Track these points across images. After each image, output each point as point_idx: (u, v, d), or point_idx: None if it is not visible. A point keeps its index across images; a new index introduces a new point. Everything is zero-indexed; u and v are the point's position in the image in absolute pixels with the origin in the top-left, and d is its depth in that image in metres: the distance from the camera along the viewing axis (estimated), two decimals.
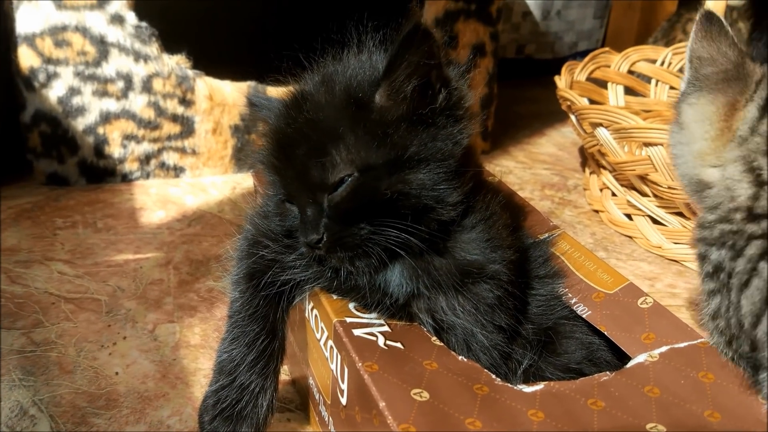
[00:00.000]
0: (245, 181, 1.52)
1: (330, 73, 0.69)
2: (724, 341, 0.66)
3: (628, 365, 0.64)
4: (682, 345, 0.65)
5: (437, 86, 0.65)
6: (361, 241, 0.64)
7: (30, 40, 1.36)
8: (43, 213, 1.34)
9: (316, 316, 0.72)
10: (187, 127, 1.49)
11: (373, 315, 0.68)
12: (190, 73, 1.46)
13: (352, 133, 0.63)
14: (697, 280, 0.73)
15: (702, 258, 0.71)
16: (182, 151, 1.51)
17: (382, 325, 0.67)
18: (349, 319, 0.67)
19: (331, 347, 0.68)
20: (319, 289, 0.71)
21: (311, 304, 0.73)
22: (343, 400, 0.66)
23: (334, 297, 0.70)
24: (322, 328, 0.70)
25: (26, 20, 1.35)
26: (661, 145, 1.07)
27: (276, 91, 0.75)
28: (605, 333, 0.70)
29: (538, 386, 0.60)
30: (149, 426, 0.81)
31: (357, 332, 0.65)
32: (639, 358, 0.64)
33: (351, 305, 0.69)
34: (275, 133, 0.69)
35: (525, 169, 1.62)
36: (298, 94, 0.69)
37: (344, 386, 0.65)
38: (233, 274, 0.74)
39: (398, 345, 0.64)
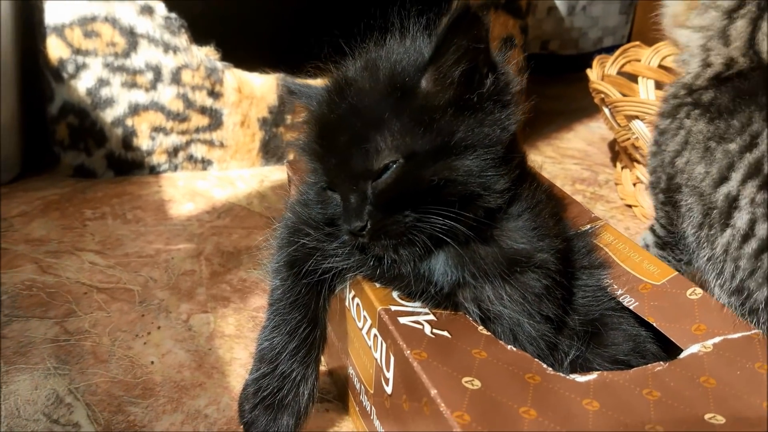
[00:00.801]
0: (273, 173, 1.51)
1: (373, 59, 0.67)
2: (653, 189, 0.90)
3: (682, 355, 0.62)
4: (735, 336, 0.63)
5: (485, 71, 0.64)
6: (406, 229, 0.62)
7: (59, 30, 1.36)
8: (72, 205, 1.34)
9: (358, 304, 0.71)
10: (216, 120, 1.48)
11: (418, 304, 0.67)
12: (219, 65, 1.45)
13: (396, 119, 0.62)
14: None
15: (654, 126, 0.91)
16: (210, 143, 1.50)
17: (427, 313, 0.66)
18: (393, 308, 0.66)
19: (375, 336, 0.67)
20: (361, 277, 0.70)
21: (352, 293, 0.72)
22: (388, 389, 0.65)
23: (377, 285, 0.69)
24: (364, 316, 0.69)
25: (55, 11, 1.35)
26: None
27: (312, 83, 0.74)
28: (654, 324, 0.68)
29: (591, 376, 0.59)
30: (186, 415, 0.80)
31: (403, 320, 0.64)
32: (692, 349, 0.63)
33: (394, 294, 0.68)
34: (317, 120, 0.68)
35: (554, 164, 1.61)
36: (341, 79, 0.68)
37: (389, 375, 0.64)
38: (274, 262, 0.74)
39: (445, 334, 0.63)
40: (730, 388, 0.57)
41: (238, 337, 0.95)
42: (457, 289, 0.66)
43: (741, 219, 0.75)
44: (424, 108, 0.62)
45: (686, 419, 0.54)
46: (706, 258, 0.80)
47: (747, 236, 0.74)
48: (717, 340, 0.63)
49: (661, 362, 0.61)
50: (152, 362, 0.89)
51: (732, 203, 0.76)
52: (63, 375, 0.86)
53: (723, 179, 0.77)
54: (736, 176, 0.76)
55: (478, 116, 0.64)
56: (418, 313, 0.66)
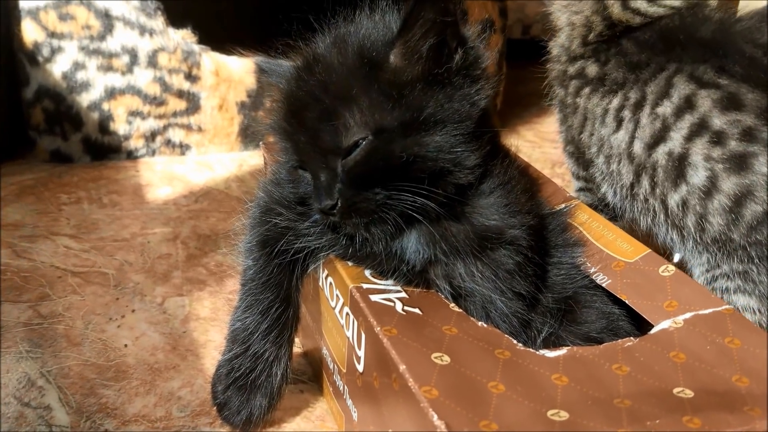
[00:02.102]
0: (252, 158, 1.50)
1: (342, 35, 0.67)
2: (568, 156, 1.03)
3: (652, 331, 0.62)
4: (706, 311, 0.63)
5: (453, 45, 0.64)
6: (377, 207, 0.62)
7: (33, 13, 1.34)
8: (47, 189, 1.32)
9: (330, 283, 0.71)
10: (193, 104, 1.47)
11: (390, 282, 0.67)
12: (196, 48, 1.44)
13: (365, 95, 0.61)
14: None
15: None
16: (188, 128, 1.49)
17: (399, 291, 0.65)
18: (365, 285, 0.66)
19: (347, 314, 0.66)
20: (333, 256, 0.70)
21: (326, 272, 0.72)
22: (360, 367, 0.65)
23: (350, 264, 0.69)
24: (337, 295, 0.69)
25: None
26: None
27: (287, 62, 0.73)
28: (626, 301, 0.68)
29: (561, 351, 0.59)
30: (159, 397, 0.80)
31: (374, 298, 0.64)
32: (663, 324, 0.63)
33: (367, 272, 0.68)
34: (286, 98, 0.67)
35: (534, 148, 1.61)
36: (309, 56, 0.67)
37: (361, 353, 0.64)
38: (246, 242, 0.73)
39: (416, 311, 0.63)
40: (699, 363, 0.57)
41: (213, 319, 0.94)
42: (429, 267, 0.66)
43: (697, 176, 0.81)
44: (393, 83, 0.62)
45: (655, 393, 0.54)
46: (650, 214, 0.89)
47: (709, 192, 0.80)
48: (688, 315, 0.63)
49: (632, 338, 0.61)
50: (126, 345, 0.88)
51: (681, 161, 0.82)
52: (35, 358, 0.85)
53: (660, 140, 0.84)
54: (677, 135, 0.82)
55: (448, 91, 0.63)
56: (390, 291, 0.65)
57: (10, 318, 0.93)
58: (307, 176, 0.67)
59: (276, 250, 0.70)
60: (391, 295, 0.65)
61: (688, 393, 0.54)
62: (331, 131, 0.62)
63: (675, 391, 0.54)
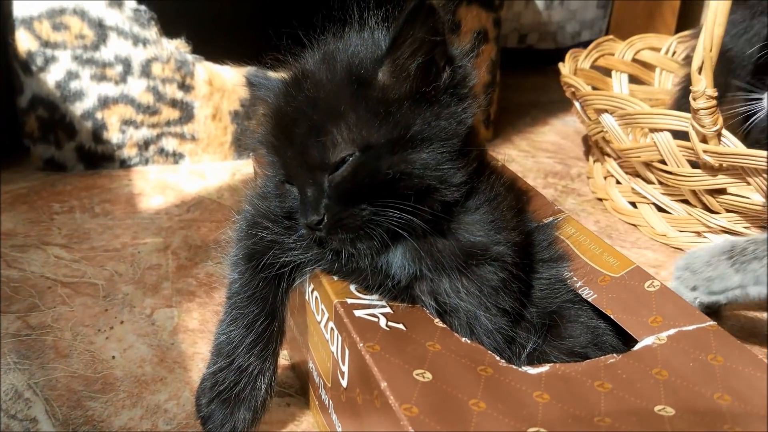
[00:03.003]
0: (245, 167, 1.50)
1: (331, 51, 0.67)
2: None
3: (636, 348, 0.62)
4: (690, 328, 0.63)
5: (441, 64, 0.64)
6: (363, 223, 0.62)
7: (28, 23, 1.34)
8: (40, 198, 1.32)
9: (316, 298, 0.71)
10: (187, 113, 1.47)
11: (375, 296, 0.67)
12: (190, 57, 1.44)
13: (353, 111, 0.61)
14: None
15: None
16: (181, 137, 1.49)
17: (383, 306, 0.65)
18: (350, 300, 0.66)
19: (332, 329, 0.66)
20: (319, 270, 0.70)
21: (311, 286, 0.72)
22: (344, 383, 0.65)
23: (335, 279, 0.69)
24: (322, 309, 0.69)
25: (24, 3, 1.33)
26: (668, 131, 1.06)
27: (277, 75, 0.73)
28: (611, 317, 0.68)
29: (544, 368, 0.59)
30: (146, 410, 0.79)
31: (358, 313, 0.64)
32: (647, 341, 0.63)
33: (352, 287, 0.68)
34: (275, 113, 0.67)
35: (528, 158, 1.61)
36: (298, 72, 0.68)
37: (345, 368, 0.64)
38: (232, 255, 0.73)
39: (400, 326, 0.63)
40: (681, 380, 0.57)
41: (202, 331, 0.94)
42: (414, 282, 0.66)
43: None
44: (381, 100, 0.62)
45: (636, 411, 0.54)
46: None
47: None
48: (672, 332, 0.63)
49: (615, 354, 0.61)
50: (113, 357, 0.88)
51: None
52: (23, 370, 0.85)
53: None
54: None
55: (435, 109, 0.63)
56: (375, 306, 0.65)
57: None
58: (294, 191, 0.67)
59: (262, 263, 0.70)
60: (376, 311, 0.64)
61: (669, 411, 0.54)
62: (319, 147, 0.62)
63: (656, 409, 0.54)
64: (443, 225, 0.65)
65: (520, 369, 0.58)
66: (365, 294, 0.67)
